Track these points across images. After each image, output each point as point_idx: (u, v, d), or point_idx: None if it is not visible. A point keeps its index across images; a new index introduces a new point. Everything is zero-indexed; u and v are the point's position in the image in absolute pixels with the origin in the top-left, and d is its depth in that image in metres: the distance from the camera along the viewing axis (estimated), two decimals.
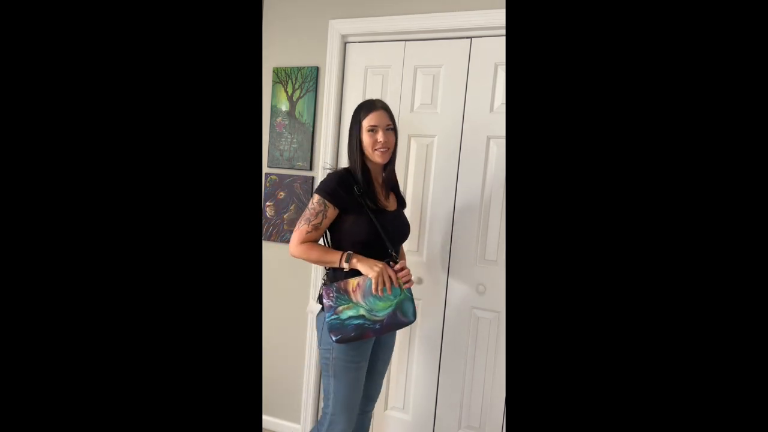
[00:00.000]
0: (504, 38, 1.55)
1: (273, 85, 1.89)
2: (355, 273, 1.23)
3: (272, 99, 1.90)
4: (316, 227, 1.22)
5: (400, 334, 1.67)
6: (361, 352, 1.26)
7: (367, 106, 1.26)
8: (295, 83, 1.85)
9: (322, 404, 1.90)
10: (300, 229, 1.23)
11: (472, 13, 1.56)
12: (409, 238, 1.44)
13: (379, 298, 1.22)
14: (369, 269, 1.20)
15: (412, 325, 1.46)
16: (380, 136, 1.23)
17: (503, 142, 1.59)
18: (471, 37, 1.62)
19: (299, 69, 1.84)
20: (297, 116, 1.85)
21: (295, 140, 1.86)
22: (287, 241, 1.88)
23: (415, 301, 1.32)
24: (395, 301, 1.24)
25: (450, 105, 1.66)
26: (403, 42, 1.71)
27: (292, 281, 1.90)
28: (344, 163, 1.74)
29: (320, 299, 1.28)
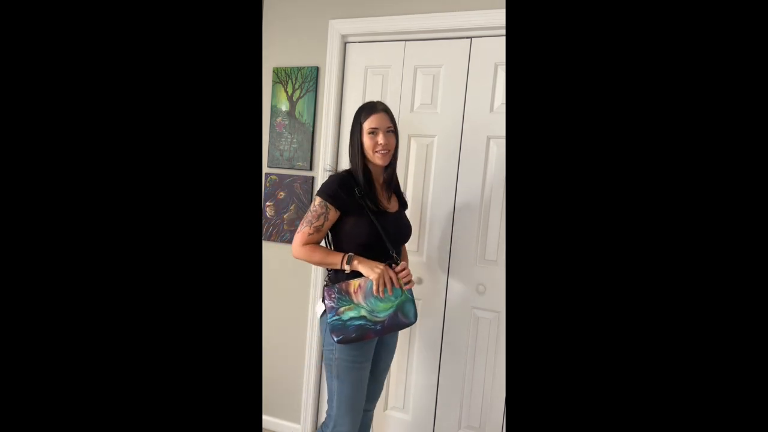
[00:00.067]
0: (504, 38, 1.55)
1: (273, 85, 1.89)
2: (357, 274, 1.24)
3: (272, 99, 1.90)
4: (317, 229, 1.23)
5: (401, 334, 1.68)
6: (363, 352, 1.26)
7: (368, 109, 1.27)
8: (295, 83, 1.85)
9: (321, 405, 1.91)
10: (302, 232, 1.24)
11: (472, 13, 1.56)
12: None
13: (380, 300, 1.23)
14: (370, 271, 1.21)
15: (413, 325, 1.47)
16: (381, 138, 1.24)
17: (503, 142, 1.59)
18: (471, 37, 1.62)
19: (299, 69, 1.84)
20: (297, 116, 1.85)
21: (295, 140, 1.86)
22: (287, 241, 1.89)
23: (416, 301, 1.33)
24: (396, 303, 1.25)
25: (450, 105, 1.66)
26: (403, 42, 1.71)
27: (292, 281, 1.90)
28: (344, 163, 1.75)
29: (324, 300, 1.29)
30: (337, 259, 1.22)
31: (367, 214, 1.23)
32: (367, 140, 1.25)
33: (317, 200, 1.24)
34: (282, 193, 1.90)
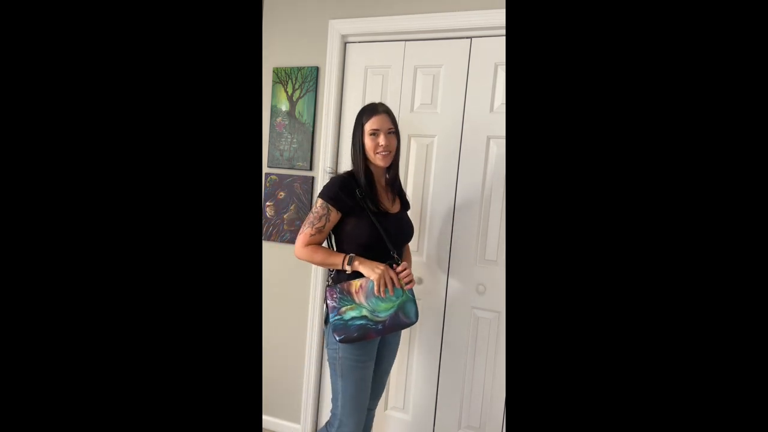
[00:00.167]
0: (504, 38, 1.55)
1: (273, 85, 1.89)
2: (358, 275, 1.25)
3: (272, 99, 1.90)
4: (319, 230, 1.25)
5: (402, 334, 1.68)
6: (366, 351, 1.28)
7: (369, 110, 1.27)
8: (295, 83, 1.85)
9: (321, 405, 1.91)
10: (304, 233, 1.25)
11: (472, 13, 1.56)
12: None
13: (382, 300, 1.24)
14: (370, 272, 1.22)
15: (414, 324, 1.47)
16: (382, 140, 1.25)
17: (503, 142, 1.59)
18: (471, 37, 1.62)
19: (299, 69, 1.84)
20: (297, 116, 1.85)
21: (295, 140, 1.86)
22: (287, 241, 1.89)
23: (416, 301, 1.33)
24: (397, 303, 1.26)
25: (450, 105, 1.66)
26: (403, 42, 1.71)
27: (292, 281, 1.90)
28: (345, 164, 1.75)
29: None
30: (338, 260, 1.24)
31: (368, 215, 1.24)
32: (368, 141, 1.26)
33: (319, 202, 1.25)
34: (282, 193, 1.90)
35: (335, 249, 1.31)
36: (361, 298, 1.24)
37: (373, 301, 1.24)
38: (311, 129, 1.83)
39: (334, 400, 1.31)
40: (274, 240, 1.93)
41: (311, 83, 1.82)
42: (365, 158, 1.28)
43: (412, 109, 1.72)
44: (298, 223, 1.86)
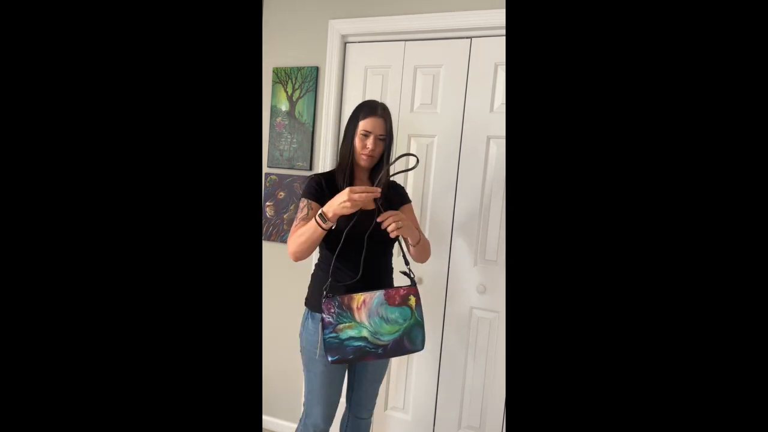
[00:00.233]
0: (504, 38, 1.55)
1: (273, 85, 1.89)
2: (359, 287, 1.16)
3: (272, 99, 1.90)
4: (303, 219, 1.24)
5: None
6: None
7: (368, 110, 1.25)
8: (295, 83, 1.85)
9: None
10: (292, 228, 1.26)
11: (472, 13, 1.56)
12: None
13: (386, 321, 1.14)
14: (340, 202, 1.09)
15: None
16: (369, 143, 1.23)
17: (503, 142, 1.59)
18: (471, 37, 1.62)
19: (299, 69, 1.84)
20: (297, 116, 1.85)
21: (295, 140, 1.86)
22: (287, 241, 1.89)
23: (419, 296, 1.22)
24: (404, 326, 1.16)
25: (450, 105, 1.66)
26: (403, 42, 1.71)
27: (292, 281, 1.90)
28: None
29: (307, 302, 1.32)
30: (314, 225, 1.14)
31: None
32: (357, 140, 1.25)
33: (301, 201, 1.28)
34: (282, 193, 1.90)
35: (326, 246, 1.28)
36: (362, 316, 1.13)
37: (377, 321, 1.13)
38: (311, 129, 1.83)
39: (305, 390, 1.34)
40: (274, 240, 1.93)
41: (311, 83, 1.82)
42: (352, 153, 1.26)
43: (412, 109, 1.72)
44: None
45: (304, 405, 1.36)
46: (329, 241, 1.23)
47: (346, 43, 1.79)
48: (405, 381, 1.79)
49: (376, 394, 1.42)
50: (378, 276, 1.30)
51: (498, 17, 1.51)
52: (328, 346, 1.13)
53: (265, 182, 1.92)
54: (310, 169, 1.84)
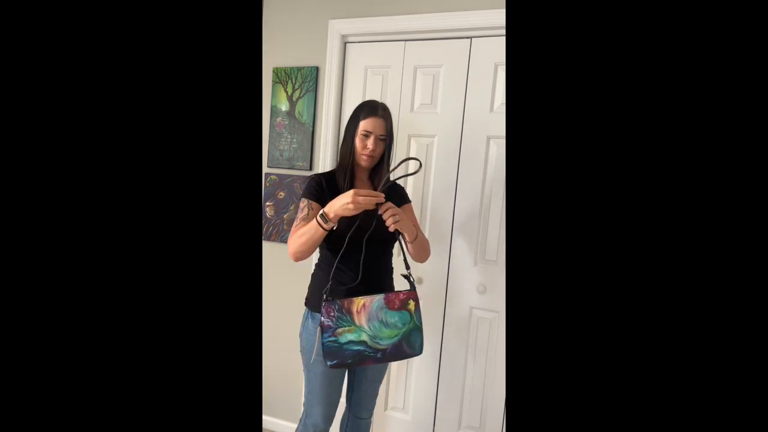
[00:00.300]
0: (504, 38, 1.55)
1: (273, 85, 1.89)
2: (360, 290, 1.16)
3: (272, 99, 1.90)
4: (303, 219, 1.24)
5: None
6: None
7: (368, 110, 1.25)
8: (295, 83, 1.85)
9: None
10: (293, 228, 1.25)
11: (472, 13, 1.56)
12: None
13: (386, 325, 1.14)
14: (343, 203, 1.09)
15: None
16: (370, 143, 1.23)
17: (503, 142, 1.59)
18: (471, 37, 1.62)
19: (299, 69, 1.84)
20: (297, 116, 1.85)
21: (295, 140, 1.86)
22: (287, 241, 1.89)
23: (420, 304, 1.24)
24: (403, 330, 1.16)
25: (450, 105, 1.66)
26: (403, 42, 1.71)
27: (292, 281, 1.90)
28: None
29: (307, 302, 1.32)
30: (315, 225, 1.14)
31: None
32: (357, 140, 1.25)
33: (301, 201, 1.27)
34: (282, 193, 1.90)
35: (326, 246, 1.28)
36: (362, 320, 1.13)
37: (376, 325, 1.14)
38: (311, 129, 1.83)
39: (305, 390, 1.34)
40: (274, 240, 1.93)
41: (311, 83, 1.82)
42: (353, 153, 1.26)
43: (412, 109, 1.72)
44: None
45: (304, 405, 1.36)
46: (330, 242, 1.23)
47: (346, 43, 1.79)
48: (405, 381, 1.79)
49: (376, 394, 1.42)
50: (378, 276, 1.30)
51: (498, 17, 1.51)
52: (327, 350, 1.12)
53: (265, 182, 1.92)
54: (310, 169, 1.84)
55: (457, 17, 1.58)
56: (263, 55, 1.90)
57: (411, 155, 1.73)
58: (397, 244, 1.34)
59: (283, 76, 1.86)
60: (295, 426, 1.92)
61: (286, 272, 1.90)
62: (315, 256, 1.42)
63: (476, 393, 1.67)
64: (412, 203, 1.43)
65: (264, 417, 2.02)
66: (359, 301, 1.14)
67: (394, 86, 1.73)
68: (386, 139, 1.26)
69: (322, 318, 1.13)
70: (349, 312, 1.13)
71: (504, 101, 1.58)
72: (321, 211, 1.13)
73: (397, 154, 1.72)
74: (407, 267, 1.24)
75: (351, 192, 1.08)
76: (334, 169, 1.34)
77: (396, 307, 1.17)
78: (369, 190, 1.10)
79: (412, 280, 1.23)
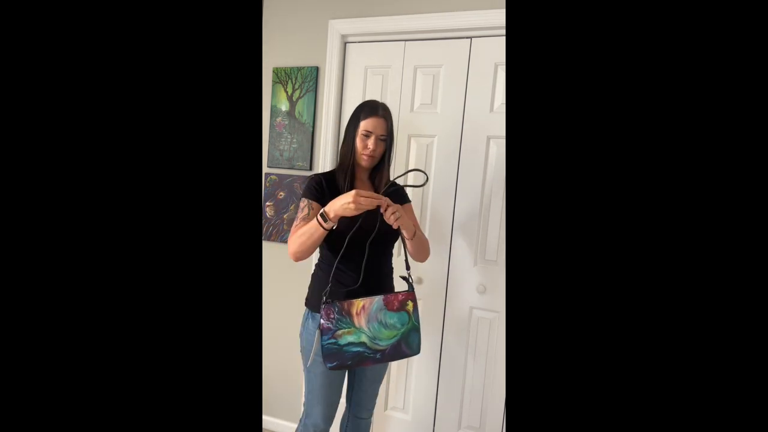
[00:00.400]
0: (504, 38, 1.55)
1: (273, 85, 1.89)
2: (360, 292, 1.16)
3: (272, 99, 1.90)
4: (304, 219, 1.23)
5: None
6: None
7: (369, 110, 1.25)
8: (295, 83, 1.85)
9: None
10: (293, 228, 1.25)
11: (472, 13, 1.56)
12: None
13: (385, 326, 1.15)
14: (344, 203, 1.08)
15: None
16: (370, 143, 1.23)
17: (503, 142, 1.59)
18: (471, 37, 1.62)
19: (299, 69, 1.84)
20: (297, 116, 1.85)
21: (295, 140, 1.86)
22: (287, 241, 1.89)
23: (418, 304, 1.26)
24: (402, 330, 1.18)
25: (450, 105, 1.66)
26: (403, 42, 1.71)
27: (292, 281, 1.90)
28: None
29: (307, 302, 1.31)
30: (316, 224, 1.14)
31: None
32: (358, 140, 1.25)
33: (302, 201, 1.27)
34: (282, 193, 1.90)
35: (327, 246, 1.28)
36: (361, 322, 1.14)
37: (375, 326, 1.14)
38: (311, 129, 1.83)
39: (305, 390, 1.34)
40: (274, 240, 1.93)
41: (311, 83, 1.82)
42: (353, 153, 1.26)
43: (412, 109, 1.72)
44: None
45: (304, 405, 1.36)
46: (330, 242, 1.23)
47: (346, 43, 1.79)
48: (405, 381, 1.79)
49: (376, 394, 1.42)
50: (378, 277, 1.30)
51: (498, 17, 1.51)
52: (327, 352, 1.13)
53: (265, 182, 1.92)
54: (310, 169, 1.84)
55: (457, 17, 1.58)
56: (263, 55, 1.90)
57: (411, 155, 1.73)
58: (397, 244, 1.34)
59: (283, 76, 1.86)
60: (295, 426, 1.92)
61: (286, 272, 1.90)
62: (315, 257, 1.42)
63: (476, 393, 1.67)
64: (412, 203, 1.43)
65: (264, 417, 2.02)
66: (359, 303, 1.14)
67: (394, 86, 1.73)
68: (387, 139, 1.26)
69: (322, 320, 1.13)
70: (349, 314, 1.14)
71: (504, 101, 1.58)
72: (321, 211, 1.13)
73: (397, 154, 1.72)
74: (408, 267, 1.24)
75: (353, 192, 1.07)
76: (334, 169, 1.34)
77: (395, 308, 1.18)
78: (371, 192, 1.10)
79: (410, 281, 1.23)
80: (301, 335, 1.32)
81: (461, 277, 1.68)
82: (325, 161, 1.80)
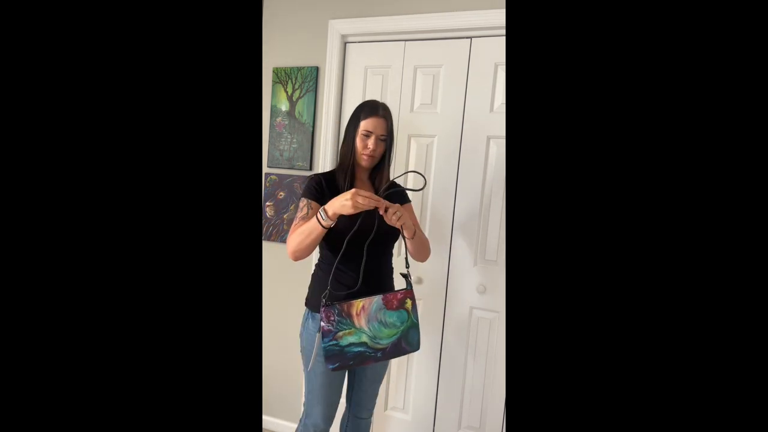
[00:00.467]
0: (504, 38, 1.55)
1: (273, 85, 1.89)
2: (360, 293, 1.15)
3: (272, 99, 1.90)
4: (303, 218, 1.23)
5: None
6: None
7: (369, 110, 1.25)
8: (295, 83, 1.85)
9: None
10: (292, 228, 1.24)
11: (472, 13, 1.56)
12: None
13: (385, 325, 1.16)
14: (342, 201, 1.09)
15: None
16: (370, 143, 1.23)
17: (503, 142, 1.59)
18: (471, 37, 1.62)
19: (299, 69, 1.84)
20: (297, 116, 1.85)
21: (295, 140, 1.86)
22: (286, 241, 1.89)
23: (416, 301, 1.27)
24: (402, 328, 1.18)
25: (450, 105, 1.66)
26: (403, 42, 1.71)
27: (292, 281, 1.90)
28: None
29: (307, 302, 1.31)
30: (315, 223, 1.14)
31: None
32: (358, 140, 1.25)
33: (301, 200, 1.27)
34: (282, 193, 1.90)
35: (326, 246, 1.28)
36: (362, 322, 1.14)
37: (375, 326, 1.15)
38: (311, 129, 1.83)
39: (305, 390, 1.34)
40: (274, 240, 1.93)
41: (311, 83, 1.82)
42: (353, 153, 1.26)
43: (412, 109, 1.72)
44: None
45: (304, 405, 1.36)
46: (330, 242, 1.23)
47: (346, 43, 1.79)
48: (405, 381, 1.79)
49: (376, 394, 1.42)
50: (378, 277, 1.30)
51: (498, 17, 1.51)
52: (328, 354, 1.13)
53: (265, 182, 1.92)
54: (310, 169, 1.84)
55: (457, 17, 1.58)
56: (263, 55, 1.90)
57: (411, 155, 1.73)
58: (397, 243, 1.34)
59: (283, 76, 1.86)
60: (295, 426, 1.92)
61: (286, 272, 1.90)
62: (315, 257, 1.42)
63: (476, 393, 1.67)
64: (412, 203, 1.43)
65: (264, 417, 2.02)
66: (358, 304, 1.15)
67: (394, 86, 1.73)
68: (387, 139, 1.26)
69: (322, 323, 1.13)
70: (349, 315, 1.14)
71: (504, 101, 1.58)
72: (321, 209, 1.13)
73: (397, 154, 1.72)
74: (407, 265, 1.24)
75: (352, 191, 1.08)
76: (334, 169, 1.34)
77: (394, 306, 1.18)
78: (370, 193, 1.10)
79: (409, 279, 1.23)
80: (301, 335, 1.32)
81: (461, 277, 1.68)
82: (325, 161, 1.80)
